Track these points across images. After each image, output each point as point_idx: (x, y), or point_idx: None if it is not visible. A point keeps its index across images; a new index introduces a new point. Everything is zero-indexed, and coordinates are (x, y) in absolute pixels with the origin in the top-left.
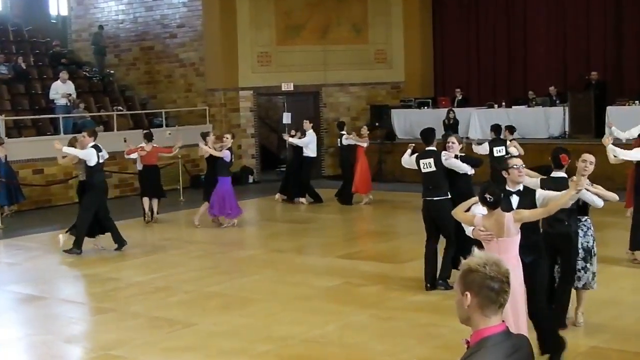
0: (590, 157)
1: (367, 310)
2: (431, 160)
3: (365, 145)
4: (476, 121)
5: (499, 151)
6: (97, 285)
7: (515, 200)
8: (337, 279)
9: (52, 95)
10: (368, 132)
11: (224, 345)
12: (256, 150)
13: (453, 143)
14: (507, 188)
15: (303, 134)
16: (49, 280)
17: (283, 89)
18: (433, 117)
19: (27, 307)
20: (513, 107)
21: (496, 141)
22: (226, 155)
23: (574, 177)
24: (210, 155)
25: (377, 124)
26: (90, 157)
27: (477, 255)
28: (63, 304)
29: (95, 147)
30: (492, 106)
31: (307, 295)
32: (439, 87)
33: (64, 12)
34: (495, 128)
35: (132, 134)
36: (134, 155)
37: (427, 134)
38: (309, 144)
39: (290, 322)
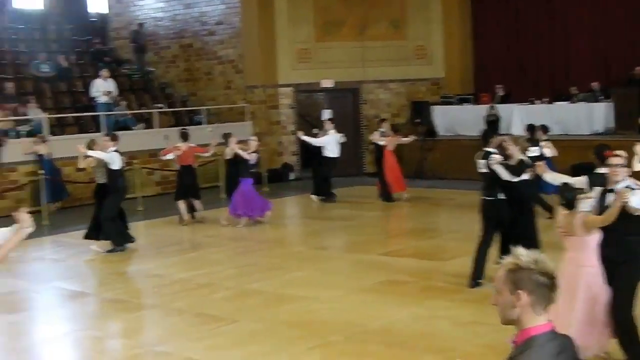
0: (616, 160)
1: (409, 308)
2: (484, 161)
3: (382, 143)
4: (518, 117)
5: (532, 152)
6: (141, 281)
7: (611, 198)
8: (378, 276)
9: (93, 93)
10: (392, 131)
11: (266, 342)
12: (297, 147)
13: (507, 144)
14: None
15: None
16: (93, 276)
17: (322, 86)
18: (474, 114)
19: (72, 303)
20: (555, 103)
21: (530, 142)
22: (253, 158)
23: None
24: (235, 156)
25: (417, 120)
26: (114, 160)
27: (523, 254)
28: (108, 300)
29: (117, 152)
30: (533, 102)
31: (349, 292)
32: (479, 83)
33: (104, 10)
34: (530, 128)
35: (173, 131)
36: (170, 156)
37: (485, 135)
38: (327, 144)
39: (331, 319)
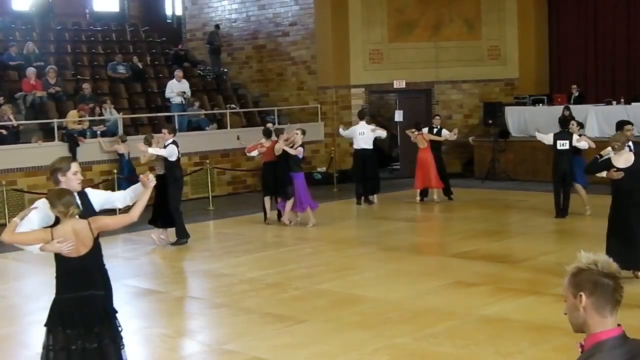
0: None
1: (478, 311)
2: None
3: (410, 138)
4: (593, 118)
5: (562, 144)
6: (211, 280)
7: None
8: (448, 278)
9: (167, 94)
10: (414, 131)
11: (334, 342)
12: None
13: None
14: None
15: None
16: (164, 274)
17: (395, 87)
18: (548, 115)
19: (142, 301)
20: (633, 104)
21: (561, 134)
22: (300, 152)
23: None
24: (283, 152)
25: (490, 121)
26: (173, 153)
27: (584, 256)
28: (178, 298)
29: (174, 142)
30: (610, 103)
31: (418, 294)
32: (554, 84)
33: (179, 12)
34: (562, 121)
35: (245, 131)
36: (254, 153)
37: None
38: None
39: (400, 321)
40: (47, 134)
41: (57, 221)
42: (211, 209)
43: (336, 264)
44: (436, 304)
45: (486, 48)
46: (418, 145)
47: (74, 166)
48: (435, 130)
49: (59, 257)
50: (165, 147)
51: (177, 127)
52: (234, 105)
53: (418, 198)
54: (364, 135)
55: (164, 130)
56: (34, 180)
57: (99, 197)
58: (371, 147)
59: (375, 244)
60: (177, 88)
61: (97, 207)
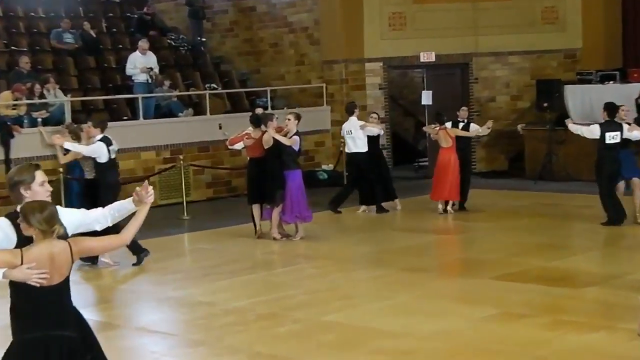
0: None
1: (532, 350)
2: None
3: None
4: None
5: (612, 137)
6: (186, 311)
7: None
8: (491, 308)
9: (129, 70)
10: (436, 126)
11: None
12: (387, 139)
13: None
14: None
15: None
16: (123, 303)
17: (422, 60)
18: (620, 95)
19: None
20: None
21: (610, 124)
22: (296, 142)
23: None
24: (275, 144)
25: (545, 104)
26: (99, 152)
27: None
28: (142, 334)
29: (105, 139)
30: None
31: (452, 327)
32: (629, 56)
33: None
34: (610, 107)
35: (230, 119)
36: (238, 146)
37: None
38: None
39: None
40: None
41: (21, 241)
42: (186, 218)
43: (345, 289)
44: (476, 341)
45: (539, 10)
46: (440, 143)
47: (39, 175)
48: (461, 125)
49: (22, 287)
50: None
51: (141, 112)
52: (215, 85)
53: (440, 207)
54: (351, 135)
55: (89, 124)
56: None
57: (72, 217)
58: (365, 149)
59: (394, 263)
60: (141, 63)
61: (70, 230)
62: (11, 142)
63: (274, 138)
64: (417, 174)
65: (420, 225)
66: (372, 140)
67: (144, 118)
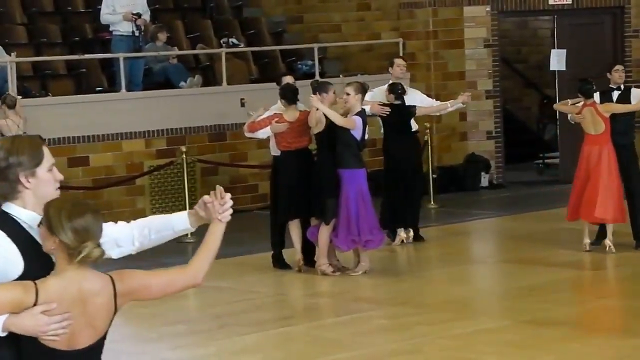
0: None
1: None
2: None
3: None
4: None
5: None
6: None
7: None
8: None
9: (104, 17)
10: (578, 102)
11: None
12: (497, 124)
13: None
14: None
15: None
16: None
17: (551, 2)
18: None
19: None
20: None
21: None
22: (357, 126)
23: None
24: (327, 129)
25: None
26: None
27: None
28: None
29: None
30: None
31: None
32: None
33: None
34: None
35: (257, 91)
36: (262, 134)
37: None
38: None
39: None
40: None
41: (32, 264)
42: (189, 239)
43: (434, 350)
44: None
45: None
46: (585, 129)
47: (47, 155)
48: (616, 94)
49: (29, 348)
50: None
51: (124, 81)
52: (234, 41)
53: (586, 241)
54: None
55: None
56: None
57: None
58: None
59: (510, 311)
60: (123, 6)
61: None
62: None
63: (325, 117)
64: (542, 176)
65: (548, 254)
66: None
67: (128, 90)
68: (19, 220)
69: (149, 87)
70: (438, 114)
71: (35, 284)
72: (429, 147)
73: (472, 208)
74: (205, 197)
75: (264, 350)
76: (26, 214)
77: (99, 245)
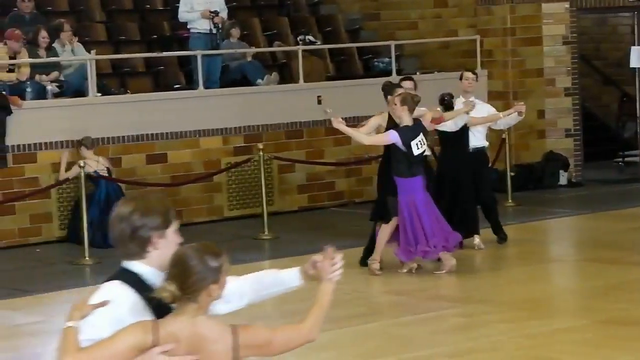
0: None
1: None
2: None
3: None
4: None
5: None
6: None
7: None
8: None
9: (182, 15)
10: None
11: None
12: (576, 121)
13: None
14: None
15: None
16: None
17: None
18: None
19: None
20: None
21: None
22: (389, 140)
23: None
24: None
25: None
26: None
27: None
28: None
29: None
30: None
31: None
32: None
33: None
34: None
35: (333, 89)
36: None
37: None
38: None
39: None
40: None
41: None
42: (266, 237)
43: (511, 349)
44: None
45: None
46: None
47: (174, 218)
48: None
49: None
50: None
51: (201, 79)
52: (311, 38)
53: None
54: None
55: None
56: None
57: None
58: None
59: (587, 310)
60: (200, 3)
61: None
62: (7, 121)
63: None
64: (621, 175)
65: (617, 255)
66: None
67: (205, 87)
68: (143, 278)
69: (226, 85)
70: (493, 126)
71: (152, 322)
72: (507, 145)
73: (550, 206)
74: (315, 257)
75: (340, 348)
76: (149, 271)
77: (178, 290)
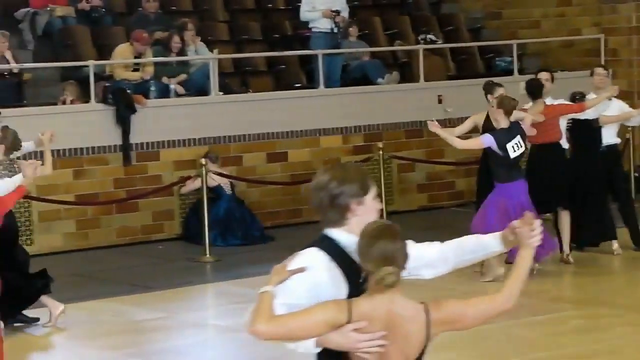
0: None
1: None
2: None
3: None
4: None
5: None
6: None
7: None
8: None
9: (304, 14)
10: None
11: None
12: None
13: None
14: None
15: None
16: None
17: None
18: None
19: None
20: None
21: None
22: (482, 143)
23: None
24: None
25: None
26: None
27: None
28: None
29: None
30: None
31: None
32: None
33: None
34: None
35: (454, 88)
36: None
37: None
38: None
39: None
40: (80, 89)
41: (355, 291)
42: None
43: (634, 352)
44: None
45: None
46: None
47: (373, 184)
48: None
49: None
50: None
51: (322, 76)
52: (432, 37)
53: None
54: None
55: None
56: (59, 178)
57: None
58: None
59: None
60: (322, 2)
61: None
62: (131, 119)
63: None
64: None
65: None
66: None
67: (326, 86)
68: (341, 245)
69: (347, 84)
70: (628, 123)
71: (348, 302)
72: (631, 145)
73: None
74: (515, 222)
75: (459, 348)
76: (350, 238)
77: (396, 272)
